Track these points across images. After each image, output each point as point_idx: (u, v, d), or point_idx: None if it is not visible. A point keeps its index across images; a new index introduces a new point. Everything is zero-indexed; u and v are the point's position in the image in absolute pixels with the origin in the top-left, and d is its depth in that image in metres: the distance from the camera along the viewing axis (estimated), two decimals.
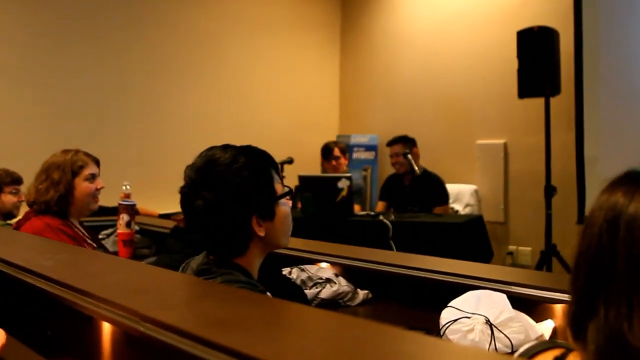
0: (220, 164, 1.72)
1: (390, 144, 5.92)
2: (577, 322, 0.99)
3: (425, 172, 5.73)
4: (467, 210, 6.19)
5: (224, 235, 1.73)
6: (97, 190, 3.22)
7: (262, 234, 1.74)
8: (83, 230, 3.30)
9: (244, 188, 1.70)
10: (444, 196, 5.71)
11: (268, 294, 1.78)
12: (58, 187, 3.12)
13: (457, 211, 6.12)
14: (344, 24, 8.07)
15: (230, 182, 1.69)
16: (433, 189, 5.68)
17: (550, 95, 5.52)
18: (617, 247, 0.95)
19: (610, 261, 0.95)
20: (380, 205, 6.10)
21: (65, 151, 3.25)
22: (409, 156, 5.55)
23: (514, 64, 5.61)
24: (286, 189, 1.82)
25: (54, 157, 3.23)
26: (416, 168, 5.46)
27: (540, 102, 5.60)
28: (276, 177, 1.80)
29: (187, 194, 1.75)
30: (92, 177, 3.21)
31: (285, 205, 1.81)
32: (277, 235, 1.79)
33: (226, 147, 1.80)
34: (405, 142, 5.82)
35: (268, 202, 1.76)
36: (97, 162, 3.28)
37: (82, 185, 3.17)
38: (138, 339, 1.34)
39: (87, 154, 3.26)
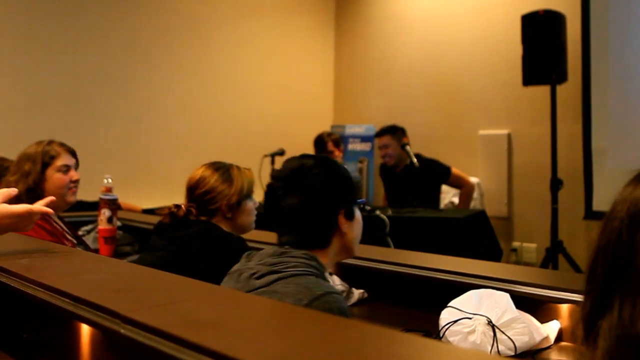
0: (308, 166, 1.93)
1: (379, 135, 5.92)
2: (589, 319, 0.99)
3: (418, 158, 5.66)
4: (469, 205, 6.20)
5: (315, 226, 1.91)
6: (73, 182, 3.21)
7: (346, 229, 1.92)
8: (63, 226, 3.30)
9: (332, 184, 1.91)
10: (444, 169, 5.72)
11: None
12: (27, 179, 3.12)
13: (456, 205, 6.12)
14: (338, 7, 8.05)
15: (322, 179, 1.90)
16: (432, 169, 5.70)
17: (556, 83, 5.52)
18: (638, 244, 0.95)
19: (629, 258, 0.95)
20: (383, 198, 6.12)
21: (39, 142, 3.25)
22: (407, 147, 5.55)
23: (518, 49, 5.61)
24: (362, 200, 2.07)
25: (27, 149, 3.23)
26: (415, 160, 5.45)
27: (545, 90, 5.60)
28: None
29: (280, 193, 1.91)
30: (66, 168, 3.20)
31: (359, 213, 2.00)
32: (354, 237, 1.97)
33: (306, 156, 2.01)
34: (394, 133, 5.81)
35: (351, 201, 1.96)
36: (72, 153, 3.27)
37: (54, 177, 3.17)
38: (119, 341, 1.34)
39: (61, 144, 3.26)
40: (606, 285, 0.98)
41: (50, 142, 3.24)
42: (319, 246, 1.90)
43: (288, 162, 1.98)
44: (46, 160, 3.17)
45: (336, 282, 2.76)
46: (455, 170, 5.78)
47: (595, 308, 0.98)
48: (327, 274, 2.69)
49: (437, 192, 5.83)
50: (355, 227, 1.96)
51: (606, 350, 0.94)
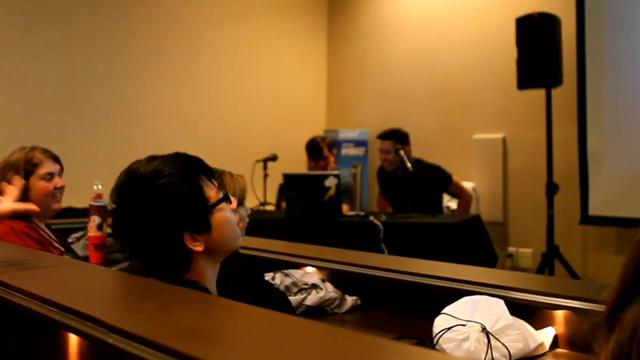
0: (141, 181, 1.73)
1: (382, 137, 5.87)
2: (612, 313, 1.00)
3: (419, 163, 5.74)
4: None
5: (159, 256, 1.75)
6: (57, 189, 3.19)
7: (199, 248, 1.74)
8: (50, 234, 3.28)
9: (169, 205, 1.71)
10: (446, 177, 5.72)
11: None
12: None
13: (453, 210, 6.12)
14: (331, 9, 8.06)
15: (153, 201, 1.71)
16: (432, 176, 5.72)
17: (551, 86, 5.54)
18: None
19: None
20: (381, 202, 6.12)
21: (22, 148, 3.23)
22: (402, 152, 5.56)
23: (513, 53, 5.63)
24: (221, 195, 1.81)
25: (10, 156, 3.21)
26: (409, 165, 5.46)
27: (541, 93, 5.61)
28: (208, 183, 1.80)
29: (115, 217, 1.78)
30: (50, 176, 3.19)
31: (223, 211, 1.80)
32: (218, 244, 1.79)
33: (150, 160, 1.78)
34: (397, 139, 5.79)
35: (200, 215, 1.75)
36: (55, 159, 3.25)
37: (37, 185, 3.15)
38: (106, 351, 1.33)
39: (44, 151, 3.24)
40: (635, 278, 0.99)
41: (33, 149, 3.22)
42: (181, 271, 1.76)
43: (122, 174, 1.81)
44: (28, 169, 3.16)
45: (329, 289, 2.76)
46: (456, 179, 5.76)
47: (621, 300, 1.00)
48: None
49: (439, 198, 5.83)
50: (217, 234, 1.77)
51: (619, 342, 0.96)
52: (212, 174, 1.84)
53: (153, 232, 1.71)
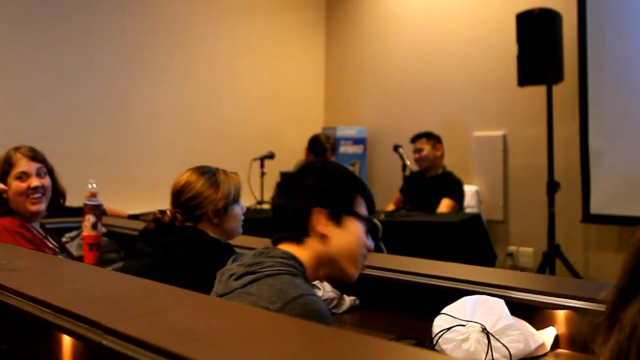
0: (317, 164, 2.01)
1: (414, 139, 6.02)
2: (612, 312, 1.01)
3: (444, 171, 5.94)
4: (467, 212, 6.19)
5: (286, 216, 1.90)
6: (31, 189, 3.18)
7: (322, 230, 1.84)
8: (43, 233, 3.28)
9: (324, 180, 1.89)
10: (454, 191, 5.76)
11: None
12: None
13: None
14: (329, 5, 8.05)
15: (316, 174, 1.91)
16: (447, 184, 5.82)
17: (552, 83, 5.53)
18: None
19: None
20: (396, 196, 6.14)
21: (10, 149, 3.25)
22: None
23: (513, 49, 5.62)
24: (368, 217, 1.94)
25: None
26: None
27: (541, 90, 5.61)
28: (363, 203, 1.93)
29: (276, 192, 2.00)
30: (24, 175, 3.18)
31: (359, 229, 1.90)
32: (340, 249, 1.87)
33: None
34: (429, 137, 5.96)
35: (339, 204, 1.88)
36: (35, 159, 3.23)
37: (12, 185, 3.17)
38: (100, 352, 1.33)
39: (21, 150, 3.24)
40: (635, 277, 1.00)
41: (17, 148, 3.24)
42: (294, 241, 1.85)
43: (297, 165, 2.01)
44: (5, 168, 3.18)
45: (327, 288, 2.75)
46: (452, 203, 5.74)
47: (620, 300, 1.00)
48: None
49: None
50: (344, 238, 1.86)
51: (618, 341, 0.96)
52: (372, 204, 1.97)
53: (295, 195, 1.89)
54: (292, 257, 1.80)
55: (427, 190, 5.77)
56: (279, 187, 2.01)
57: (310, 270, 1.85)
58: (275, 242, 1.88)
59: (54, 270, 2.10)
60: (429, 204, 5.58)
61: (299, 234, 1.85)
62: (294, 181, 1.93)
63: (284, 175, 1.96)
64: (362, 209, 1.92)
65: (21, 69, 5.95)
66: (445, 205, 5.63)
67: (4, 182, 3.16)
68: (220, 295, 1.77)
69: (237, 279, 1.77)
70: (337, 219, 1.86)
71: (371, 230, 1.95)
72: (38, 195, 3.19)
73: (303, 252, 1.83)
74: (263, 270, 1.75)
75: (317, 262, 1.86)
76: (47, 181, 3.26)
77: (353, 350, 1.16)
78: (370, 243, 1.94)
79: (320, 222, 1.84)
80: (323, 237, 1.84)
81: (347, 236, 1.87)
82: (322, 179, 1.89)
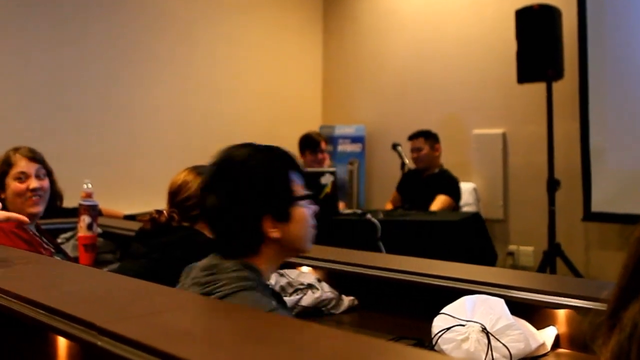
0: (235, 161, 1.84)
1: (411, 138, 6.01)
2: (613, 312, 1.01)
3: (441, 170, 5.93)
4: (466, 210, 6.20)
5: (234, 233, 1.82)
6: (30, 190, 3.18)
7: (275, 235, 1.82)
8: (40, 235, 3.28)
9: (257, 186, 1.81)
10: (450, 189, 5.76)
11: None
12: None
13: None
14: (326, 3, 8.05)
15: (243, 179, 1.81)
16: (444, 182, 5.82)
17: (552, 80, 5.54)
18: None
19: None
20: (392, 195, 6.15)
21: (11, 149, 3.25)
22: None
23: (513, 45, 5.63)
24: (306, 192, 1.91)
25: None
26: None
27: (541, 87, 5.61)
28: (297, 179, 1.89)
29: (202, 191, 1.88)
30: (23, 176, 3.18)
31: (305, 208, 1.89)
32: (293, 238, 1.87)
33: (246, 145, 1.89)
34: (427, 137, 5.95)
35: (283, 203, 1.84)
36: (35, 160, 3.23)
37: (11, 185, 3.16)
38: (95, 354, 1.33)
39: (20, 151, 3.23)
40: (635, 276, 1.00)
41: (16, 149, 3.23)
42: (248, 254, 1.82)
43: (218, 153, 1.88)
44: (4, 169, 3.18)
45: (325, 289, 2.75)
46: (447, 199, 5.74)
47: (621, 299, 1.00)
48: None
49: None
50: (294, 228, 1.85)
51: (619, 341, 0.96)
52: (302, 173, 1.93)
53: (236, 210, 1.80)
54: (246, 267, 1.78)
55: (423, 189, 5.78)
56: (209, 179, 1.87)
57: (267, 270, 1.86)
58: (226, 255, 1.82)
59: (50, 272, 2.09)
60: (426, 202, 5.59)
61: (254, 247, 1.82)
62: (227, 187, 1.81)
63: (217, 166, 1.86)
64: (298, 185, 1.88)
65: (16, 69, 5.94)
66: (440, 201, 5.62)
67: (3, 183, 3.16)
68: None
69: None
70: (284, 216, 1.84)
71: (309, 197, 1.92)
72: (36, 197, 3.19)
73: (258, 259, 1.83)
74: (218, 290, 1.72)
75: (273, 260, 1.88)
76: (46, 183, 3.25)
77: (352, 350, 1.16)
78: (314, 208, 1.93)
79: (270, 228, 1.81)
80: (276, 240, 1.83)
81: (296, 225, 1.86)
82: (256, 182, 1.80)
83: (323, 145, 6.15)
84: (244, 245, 1.82)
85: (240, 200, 1.79)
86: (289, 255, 1.95)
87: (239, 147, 1.88)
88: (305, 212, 1.89)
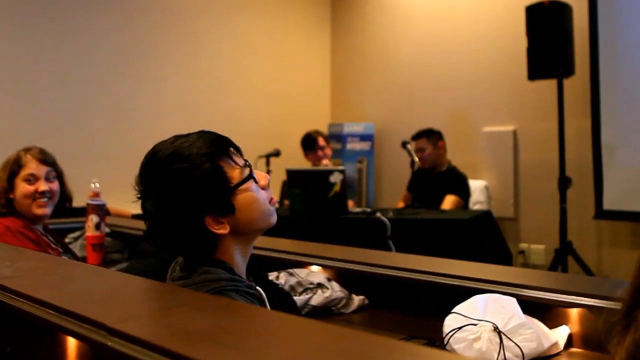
0: (159, 165, 1.72)
1: (414, 138, 6.00)
2: (628, 312, 1.01)
3: (449, 167, 5.93)
4: (477, 208, 6.19)
5: (183, 239, 1.73)
6: (39, 193, 3.19)
7: (223, 231, 1.72)
8: (48, 234, 3.29)
9: (188, 189, 1.68)
10: (458, 188, 5.75)
11: (258, 288, 1.79)
12: (0, 187, 3.15)
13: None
14: (334, 0, 8.04)
15: (171, 186, 1.69)
16: (452, 181, 5.83)
17: (563, 77, 5.53)
18: None
19: None
20: (403, 194, 6.16)
21: (22, 149, 3.26)
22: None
23: (523, 42, 5.62)
24: (245, 173, 1.77)
25: (10, 155, 3.26)
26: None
27: (552, 84, 5.60)
28: (231, 163, 1.76)
29: (140, 200, 1.75)
30: (32, 178, 3.19)
31: (248, 191, 1.76)
32: (245, 225, 1.76)
33: (172, 141, 1.79)
34: (429, 136, 5.93)
35: (221, 197, 1.72)
36: (45, 162, 3.24)
37: (20, 186, 3.17)
38: (105, 354, 1.33)
39: (36, 152, 3.24)
40: None
41: (27, 149, 3.24)
42: (209, 252, 1.73)
43: (147, 154, 1.78)
44: (14, 169, 3.18)
45: (335, 288, 2.75)
46: (456, 200, 5.73)
47: (636, 298, 1.00)
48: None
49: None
50: (244, 215, 1.74)
51: (635, 340, 0.96)
52: (238, 151, 1.81)
53: (174, 217, 1.69)
54: (215, 265, 1.71)
55: (433, 187, 5.78)
56: (141, 181, 1.75)
57: (238, 262, 1.78)
58: (187, 260, 1.77)
59: (58, 271, 2.10)
60: (436, 200, 5.60)
61: (208, 247, 1.74)
62: (158, 193, 1.70)
63: (143, 167, 1.76)
64: (233, 170, 1.75)
65: (22, 68, 5.96)
66: (448, 202, 5.62)
67: (12, 183, 3.17)
68: None
69: None
70: (227, 210, 1.73)
71: (250, 177, 1.78)
72: (45, 199, 3.19)
73: (222, 253, 1.75)
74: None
75: (238, 250, 1.78)
76: (55, 185, 3.26)
77: (363, 350, 1.16)
78: (261, 179, 1.82)
79: (215, 226, 1.71)
80: (226, 234, 1.73)
81: (244, 211, 1.75)
82: (185, 185, 1.68)
83: (321, 141, 6.15)
84: (199, 246, 1.73)
85: (174, 208, 1.68)
86: (252, 237, 1.82)
87: (166, 144, 1.78)
88: (250, 196, 1.76)
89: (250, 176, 1.78)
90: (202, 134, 1.79)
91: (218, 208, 1.71)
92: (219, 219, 1.71)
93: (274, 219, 1.83)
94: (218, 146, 1.76)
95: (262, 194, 1.80)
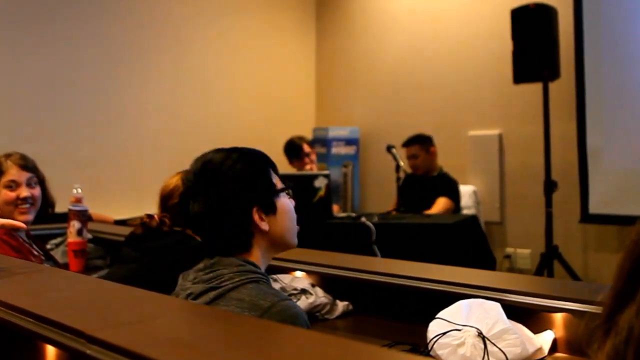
0: (214, 163, 1.87)
1: (406, 145, 5.99)
2: (608, 316, 1.01)
3: (440, 172, 5.92)
4: (465, 213, 6.19)
5: (225, 232, 1.85)
6: (20, 199, 3.17)
7: (265, 227, 1.86)
8: (29, 242, 3.26)
9: (241, 181, 1.85)
10: (450, 191, 5.75)
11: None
12: None
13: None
14: (319, 4, 8.05)
15: (226, 176, 1.84)
16: (443, 185, 5.82)
17: (548, 80, 5.55)
18: None
19: None
20: (394, 200, 6.17)
21: (2, 155, 3.24)
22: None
23: (508, 45, 5.64)
24: (288, 185, 1.97)
25: None
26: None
27: (537, 87, 5.62)
28: (274, 175, 1.94)
29: (185, 197, 1.91)
30: (14, 184, 3.17)
31: (287, 200, 1.95)
32: (281, 230, 1.91)
33: (219, 149, 1.93)
34: (422, 142, 5.92)
35: (267, 194, 1.89)
36: (26, 168, 3.22)
37: (1, 193, 3.15)
38: None
39: (12, 158, 3.22)
40: (631, 279, 1.00)
41: (8, 155, 3.23)
42: (240, 251, 1.85)
43: (195, 162, 1.92)
44: None
45: (319, 294, 2.75)
46: (448, 202, 5.74)
47: (617, 303, 1.00)
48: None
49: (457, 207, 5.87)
50: (281, 220, 1.91)
51: (615, 345, 0.96)
52: (275, 167, 1.98)
53: (225, 207, 1.83)
54: (247, 262, 1.82)
55: (424, 192, 5.77)
56: (191, 188, 1.89)
57: (263, 264, 1.89)
58: (221, 254, 1.85)
59: (38, 278, 2.09)
60: (428, 206, 5.59)
61: (246, 242, 1.86)
62: (211, 188, 1.85)
63: (197, 174, 1.89)
64: (277, 180, 1.95)
65: (7, 70, 5.92)
66: (440, 203, 5.63)
67: None
68: None
69: (195, 298, 1.75)
70: (271, 208, 1.89)
71: (290, 189, 1.99)
72: (27, 205, 3.18)
73: (253, 254, 1.87)
74: (224, 284, 1.75)
75: (266, 255, 1.92)
76: (37, 191, 3.24)
77: (346, 357, 1.16)
78: (294, 203, 2.00)
79: (258, 221, 1.86)
80: (265, 233, 1.87)
81: (282, 217, 1.92)
82: (239, 176, 1.85)
83: (306, 148, 6.15)
84: (236, 242, 1.85)
85: (227, 197, 1.83)
86: (278, 250, 1.98)
87: (212, 152, 1.92)
88: (288, 203, 1.95)
89: (290, 187, 1.98)
90: (245, 148, 1.99)
91: (264, 203, 1.87)
92: (263, 216, 1.86)
93: (296, 240, 2.00)
94: (265, 159, 1.96)
95: (294, 212, 1.99)
